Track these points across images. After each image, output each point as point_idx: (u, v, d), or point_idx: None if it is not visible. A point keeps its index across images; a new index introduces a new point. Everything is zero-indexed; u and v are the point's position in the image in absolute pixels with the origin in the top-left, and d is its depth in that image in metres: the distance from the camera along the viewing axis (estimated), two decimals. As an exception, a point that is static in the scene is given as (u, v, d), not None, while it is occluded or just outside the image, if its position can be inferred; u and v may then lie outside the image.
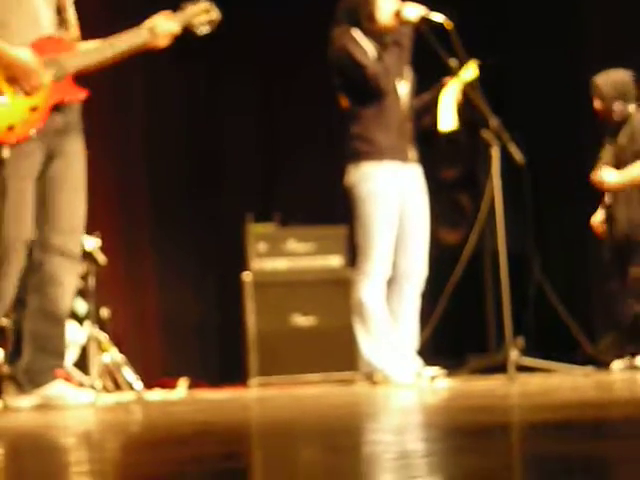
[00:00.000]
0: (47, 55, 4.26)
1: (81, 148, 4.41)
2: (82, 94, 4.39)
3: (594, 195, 6.73)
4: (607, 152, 6.00)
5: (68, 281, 4.30)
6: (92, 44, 4.44)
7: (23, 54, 4.22)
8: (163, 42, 4.42)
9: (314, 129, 7.11)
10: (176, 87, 7.24)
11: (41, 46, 4.28)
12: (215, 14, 4.44)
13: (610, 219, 6.01)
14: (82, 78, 4.58)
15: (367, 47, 5.13)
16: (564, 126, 7.15)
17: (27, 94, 4.21)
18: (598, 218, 6.13)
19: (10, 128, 4.16)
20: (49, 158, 4.28)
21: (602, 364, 5.86)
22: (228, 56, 7.56)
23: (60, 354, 4.33)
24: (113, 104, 6.94)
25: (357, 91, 5.15)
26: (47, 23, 4.31)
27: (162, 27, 4.39)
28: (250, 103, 7.51)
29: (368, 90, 5.11)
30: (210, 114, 7.51)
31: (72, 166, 4.36)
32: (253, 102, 7.53)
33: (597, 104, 6.01)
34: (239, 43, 7.51)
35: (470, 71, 5.19)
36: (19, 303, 4.25)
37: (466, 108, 5.29)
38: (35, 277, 4.24)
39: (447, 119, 5.20)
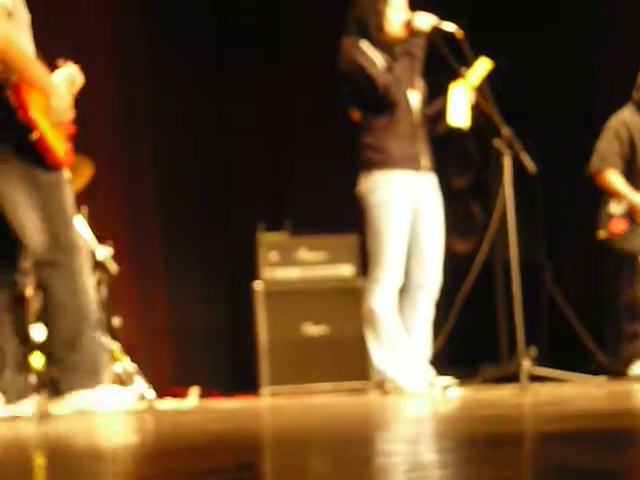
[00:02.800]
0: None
1: None
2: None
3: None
4: None
5: None
6: None
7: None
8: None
9: (325, 137, 7.10)
10: (185, 97, 7.25)
11: None
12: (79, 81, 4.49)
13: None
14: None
15: (376, 58, 5.13)
16: (577, 135, 7.13)
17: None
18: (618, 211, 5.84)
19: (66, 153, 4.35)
20: None
21: (615, 373, 5.83)
22: (236, 63, 7.57)
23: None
24: (124, 115, 6.95)
25: (368, 102, 5.14)
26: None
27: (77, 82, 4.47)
28: (260, 112, 7.52)
29: (379, 101, 5.10)
30: (220, 124, 7.51)
31: None
32: (263, 111, 7.54)
33: None
34: (247, 51, 7.52)
35: (482, 66, 5.17)
36: None
37: (478, 117, 5.28)
38: None
39: (458, 115, 5.17)
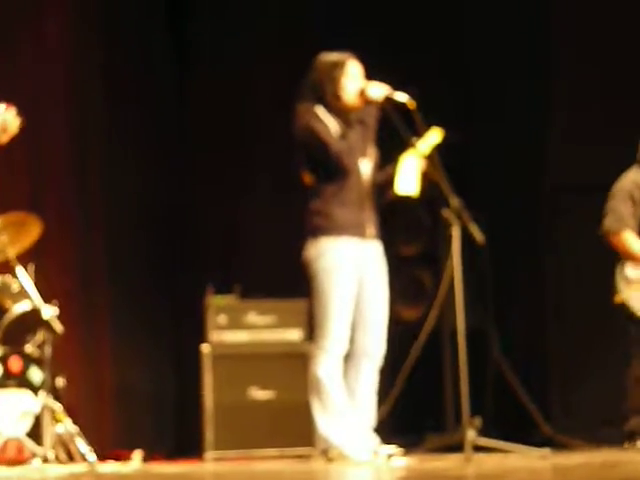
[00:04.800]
0: None
1: None
2: None
3: (555, 273, 6.77)
4: None
5: None
6: None
7: None
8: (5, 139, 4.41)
9: (275, 203, 7.13)
10: (136, 159, 7.26)
11: None
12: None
13: None
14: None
15: (331, 125, 5.16)
16: (524, 205, 7.20)
17: None
18: None
19: None
20: None
21: (559, 446, 5.83)
22: (190, 128, 7.59)
23: None
24: (75, 175, 6.93)
25: (320, 168, 5.16)
26: None
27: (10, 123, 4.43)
28: (210, 175, 7.53)
29: (331, 167, 5.12)
30: (171, 184, 7.51)
31: None
32: (213, 174, 7.54)
33: None
34: (196, 113, 7.56)
35: (433, 137, 5.22)
36: None
37: (428, 186, 5.32)
38: None
39: (407, 183, 5.20)
